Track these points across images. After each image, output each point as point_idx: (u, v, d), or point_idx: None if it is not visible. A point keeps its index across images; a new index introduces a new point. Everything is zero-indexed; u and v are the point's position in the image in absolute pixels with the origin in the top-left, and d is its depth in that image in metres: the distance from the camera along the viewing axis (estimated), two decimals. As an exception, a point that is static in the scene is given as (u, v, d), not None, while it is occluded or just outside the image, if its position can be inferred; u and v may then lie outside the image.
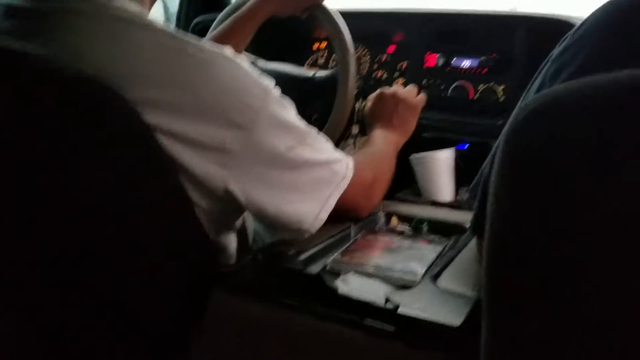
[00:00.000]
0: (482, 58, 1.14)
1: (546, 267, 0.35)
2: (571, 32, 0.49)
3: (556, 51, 0.50)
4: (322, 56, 1.37)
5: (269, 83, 0.62)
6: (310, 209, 0.65)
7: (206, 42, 0.60)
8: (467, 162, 1.06)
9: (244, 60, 0.62)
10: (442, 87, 1.18)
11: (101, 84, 0.51)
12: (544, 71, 0.50)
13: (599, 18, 0.47)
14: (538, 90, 0.50)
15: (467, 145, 1.12)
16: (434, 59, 1.19)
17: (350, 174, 0.68)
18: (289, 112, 0.64)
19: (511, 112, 0.38)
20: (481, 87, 1.15)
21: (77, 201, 0.53)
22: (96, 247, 0.55)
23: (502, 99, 1.12)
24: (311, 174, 0.65)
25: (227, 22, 1.00)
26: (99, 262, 0.55)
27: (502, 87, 1.12)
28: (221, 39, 0.98)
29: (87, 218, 0.53)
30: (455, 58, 1.18)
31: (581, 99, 0.32)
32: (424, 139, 1.12)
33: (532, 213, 0.34)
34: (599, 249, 0.33)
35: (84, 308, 0.57)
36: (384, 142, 0.88)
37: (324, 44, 1.37)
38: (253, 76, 0.61)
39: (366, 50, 1.31)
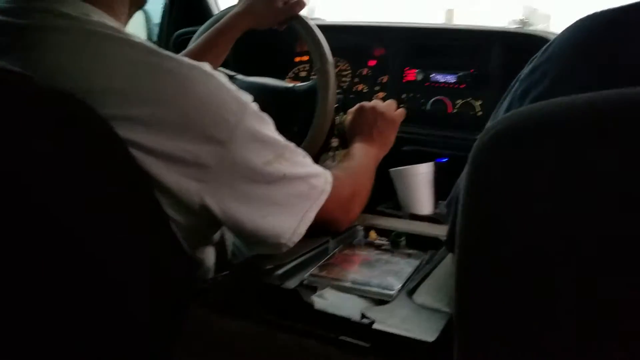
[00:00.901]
0: (460, 74, 1.16)
1: (512, 284, 0.35)
2: (540, 52, 0.50)
3: (525, 71, 0.51)
4: (303, 69, 1.38)
5: (247, 97, 0.62)
6: (288, 223, 0.65)
7: (183, 57, 0.60)
8: (447, 175, 1.07)
9: (221, 75, 0.62)
10: (422, 102, 1.20)
11: (74, 99, 0.51)
12: (512, 90, 0.51)
13: (566, 39, 0.48)
14: (507, 109, 0.51)
15: (447, 158, 1.13)
16: (413, 74, 1.21)
17: (329, 188, 0.69)
18: (267, 126, 0.63)
19: None
20: (459, 102, 1.16)
21: (49, 215, 0.52)
22: (69, 261, 0.54)
23: (479, 113, 1.14)
24: (289, 189, 0.65)
25: (205, 35, 1.00)
26: (72, 277, 0.55)
27: (479, 102, 1.14)
28: (198, 52, 0.98)
29: (59, 232, 0.52)
30: (434, 73, 1.20)
31: (539, 124, 0.33)
32: (403, 153, 1.13)
33: (496, 232, 0.35)
34: (561, 267, 0.34)
35: (58, 324, 0.56)
36: (364, 155, 0.88)
37: (305, 57, 1.38)
38: (230, 90, 0.61)
39: (347, 64, 1.32)
